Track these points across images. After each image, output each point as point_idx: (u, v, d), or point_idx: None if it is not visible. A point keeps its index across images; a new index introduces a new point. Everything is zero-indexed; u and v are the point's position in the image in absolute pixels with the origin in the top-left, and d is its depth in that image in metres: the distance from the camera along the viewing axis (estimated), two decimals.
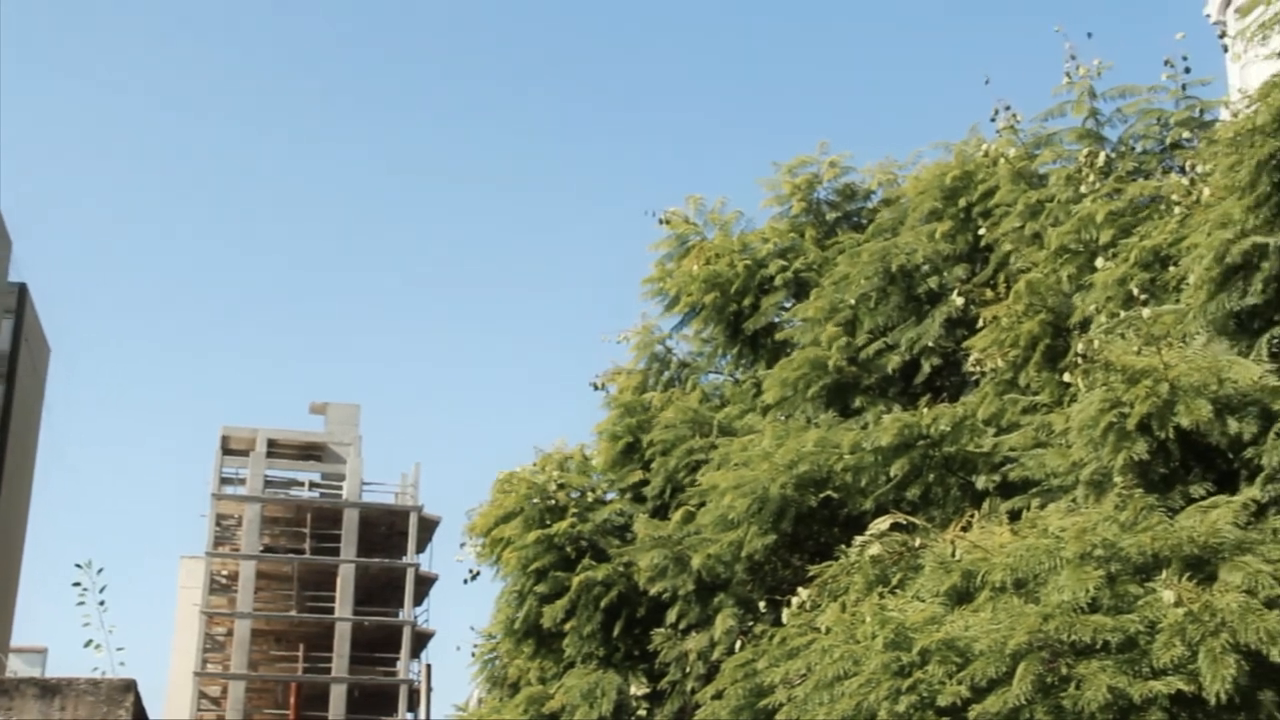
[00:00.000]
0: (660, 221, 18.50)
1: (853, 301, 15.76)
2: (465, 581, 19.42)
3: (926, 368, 15.33)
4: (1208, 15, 21.56)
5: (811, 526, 14.32)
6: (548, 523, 17.32)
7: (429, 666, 23.66)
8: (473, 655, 20.33)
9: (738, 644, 13.28)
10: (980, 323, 14.25)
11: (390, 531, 70.81)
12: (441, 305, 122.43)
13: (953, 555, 10.49)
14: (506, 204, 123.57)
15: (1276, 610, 8.42)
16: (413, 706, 63.58)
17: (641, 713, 15.90)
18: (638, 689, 15.95)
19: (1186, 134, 14.96)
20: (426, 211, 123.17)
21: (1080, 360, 11.47)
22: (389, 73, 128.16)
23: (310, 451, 72.78)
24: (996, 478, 12.85)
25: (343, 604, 67.76)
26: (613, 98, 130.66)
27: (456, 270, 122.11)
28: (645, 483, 17.42)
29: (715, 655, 13.98)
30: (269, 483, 70.67)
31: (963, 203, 15.68)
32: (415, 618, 70.28)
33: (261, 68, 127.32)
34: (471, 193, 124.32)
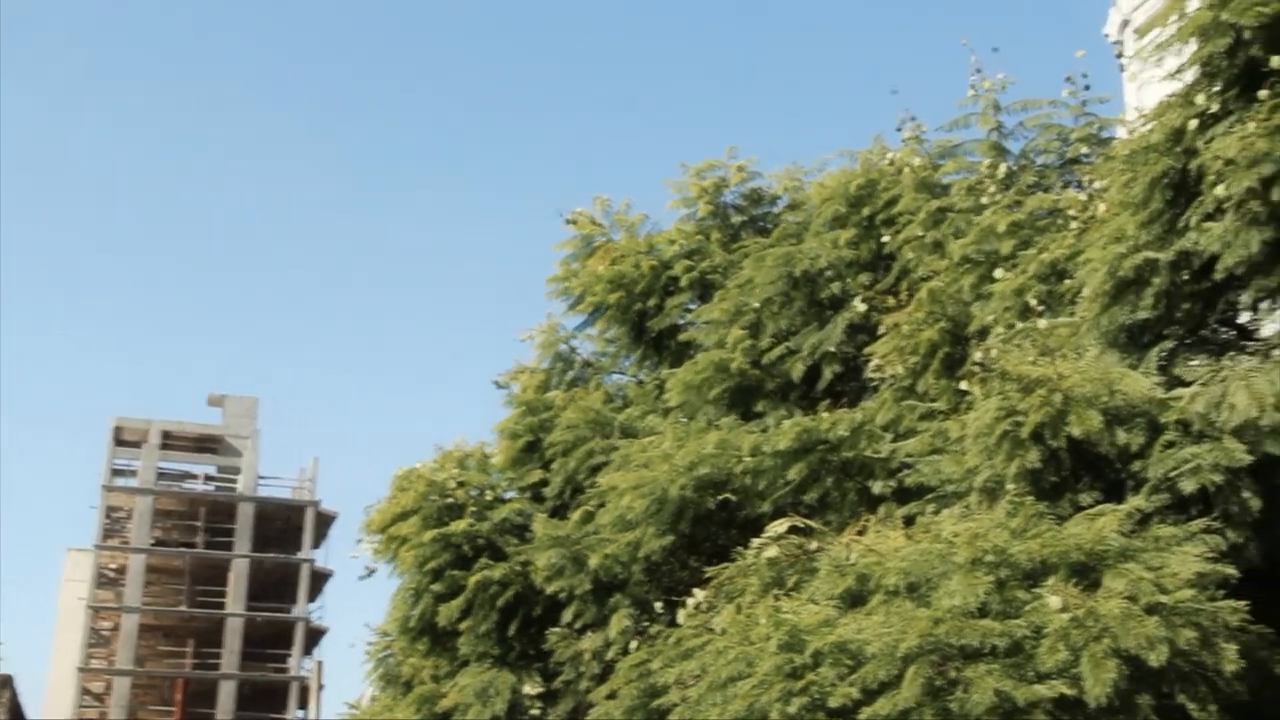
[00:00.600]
0: (567, 221, 18.49)
1: (757, 305, 15.85)
2: (361, 578, 19.29)
3: (828, 373, 15.46)
4: (1106, 35, 22.02)
5: (709, 528, 14.38)
6: (445, 521, 17.20)
7: (320, 664, 23.44)
8: (366, 653, 20.18)
9: (633, 644, 13.31)
10: (881, 329, 14.42)
11: (286, 527, 69.94)
12: (346, 300, 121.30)
13: (848, 559, 10.60)
14: (411, 200, 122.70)
15: (1156, 616, 8.62)
16: (304, 704, 62.77)
17: (535, 712, 15.85)
18: (532, 688, 15.90)
19: (1085, 150, 15.27)
20: (333, 207, 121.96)
21: (978, 369, 11.65)
22: (293, 69, 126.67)
23: (206, 444, 71.66)
24: (893, 483, 13.00)
25: (235, 599, 66.77)
26: (520, 96, 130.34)
27: (361, 265, 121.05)
28: (545, 482, 17.37)
29: (610, 655, 13.98)
30: (162, 475, 69.47)
31: (867, 210, 15.86)
32: (309, 614, 69.48)
33: (159, 61, 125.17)
34: (378, 189, 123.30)
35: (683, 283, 17.40)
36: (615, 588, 14.74)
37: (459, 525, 17.05)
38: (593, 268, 17.71)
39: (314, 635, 69.47)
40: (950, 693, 8.81)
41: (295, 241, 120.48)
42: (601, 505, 14.80)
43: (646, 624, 13.66)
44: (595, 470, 16.02)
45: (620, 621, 14.24)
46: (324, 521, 70.10)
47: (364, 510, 18.54)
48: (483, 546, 16.97)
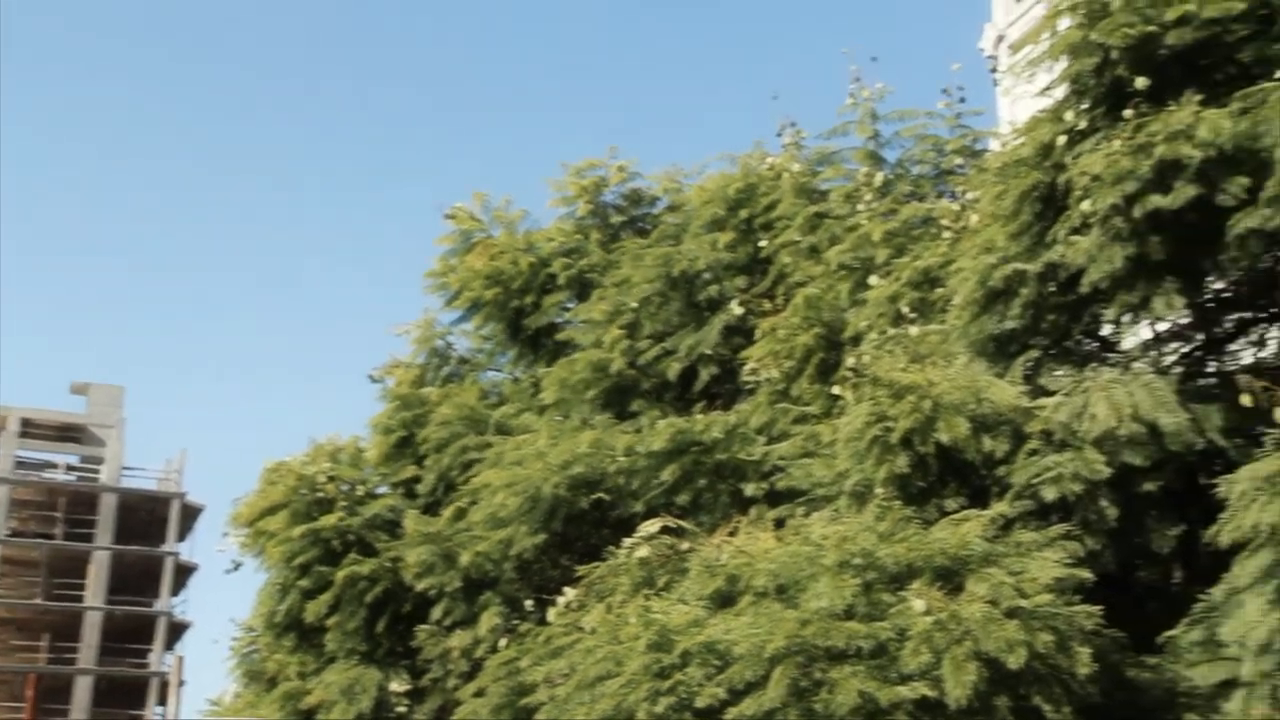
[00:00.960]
0: (446, 216, 18.37)
1: (635, 305, 15.89)
2: (227, 572, 18.96)
3: (704, 374, 15.56)
4: (982, 49, 22.51)
5: (582, 527, 14.39)
6: (315, 515, 16.98)
7: (181, 659, 22.98)
8: (230, 649, 19.84)
9: (502, 642, 13.25)
10: (758, 333, 14.56)
11: (150, 519, 68.31)
12: (219, 290, 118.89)
13: (718, 560, 10.67)
14: (288, 191, 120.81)
15: (1016, 620, 8.81)
16: (164, 700, 61.46)
17: (402, 709, 15.71)
18: (399, 686, 15.76)
19: (959, 161, 15.57)
20: (204, 194, 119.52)
21: (850, 374, 11.81)
22: (165, 57, 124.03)
23: (68, 433, 69.67)
24: (765, 485, 13.12)
25: (95, 593, 65.03)
26: (400, 88, 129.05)
27: (233, 255, 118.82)
28: (418, 479, 17.23)
29: (479, 653, 13.91)
30: (21, 464, 67.37)
31: (745, 214, 16.00)
32: (172, 608, 68.00)
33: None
34: (252, 178, 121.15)
35: (561, 281, 17.39)
36: (486, 585, 14.67)
37: (329, 520, 16.84)
38: (471, 264, 17.61)
39: (176, 630, 67.99)
40: (815, 693, 8.91)
41: (166, 229, 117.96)
42: (474, 502, 14.73)
43: (516, 622, 13.63)
44: (469, 467, 15.94)
45: (490, 619, 14.18)
46: (190, 514, 68.66)
47: (232, 503, 18.26)
48: (352, 542, 16.78)
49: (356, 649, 16.29)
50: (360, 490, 17.67)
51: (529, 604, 13.75)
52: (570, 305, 17.60)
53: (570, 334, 16.93)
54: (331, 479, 17.50)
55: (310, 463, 17.73)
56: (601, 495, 13.92)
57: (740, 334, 15.24)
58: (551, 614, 11.64)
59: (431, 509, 16.35)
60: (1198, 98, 10.22)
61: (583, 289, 17.31)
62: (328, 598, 16.23)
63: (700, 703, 9.19)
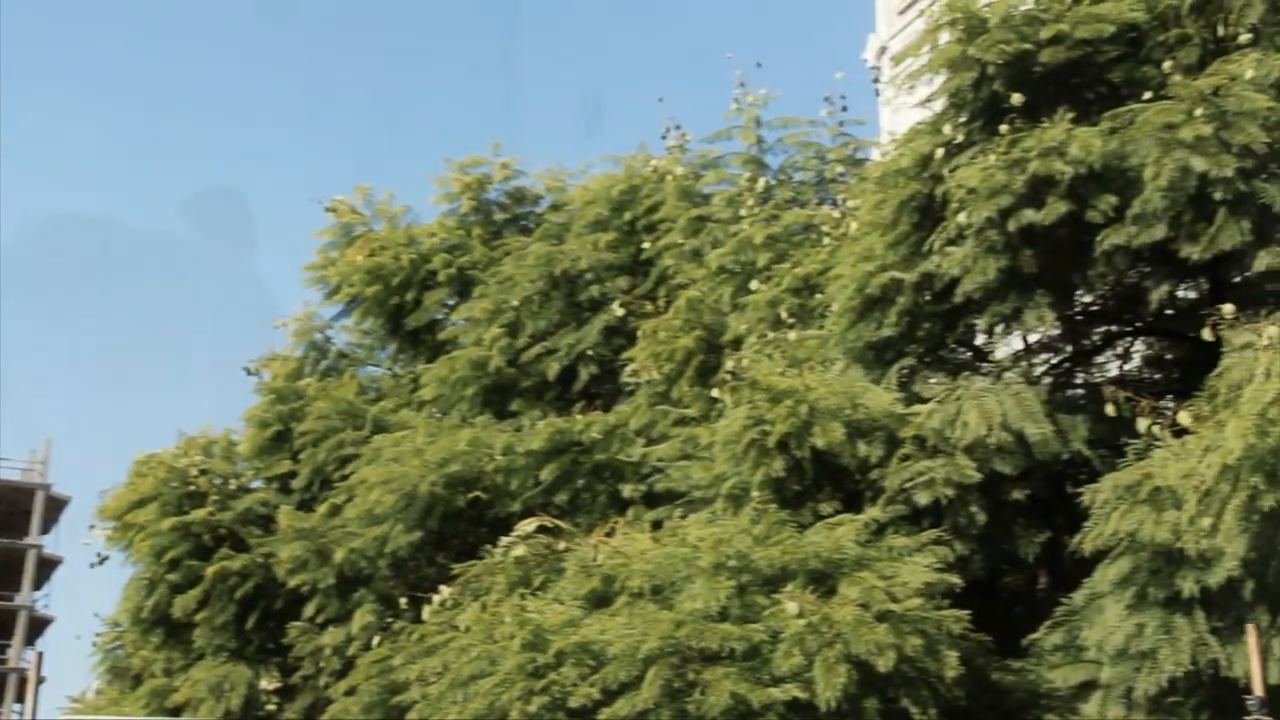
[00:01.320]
0: (327, 209, 18.16)
1: (516, 304, 15.84)
2: (92, 566, 18.45)
3: (584, 375, 15.58)
4: (865, 60, 22.82)
5: (459, 526, 14.30)
6: (186, 509, 16.62)
7: (40, 655, 22.37)
8: (94, 644, 19.34)
9: (375, 640, 13.12)
10: (639, 334, 14.61)
11: (13, 510, 66.42)
12: (88, 278, 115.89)
13: (595, 560, 10.68)
14: (160, 178, 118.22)
15: (886, 624, 8.96)
16: (22, 697, 59.83)
17: (271, 707, 15.46)
18: (269, 683, 15.51)
19: (841, 169, 15.80)
20: (71, 180, 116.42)
21: (730, 377, 11.91)
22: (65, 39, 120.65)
23: None
24: (643, 487, 13.18)
25: None
26: (280, 77, 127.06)
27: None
28: (293, 473, 16.97)
29: (352, 651, 13.75)
30: None
31: (628, 215, 16.05)
32: (34, 602, 66.19)
33: None
34: (116, 164, 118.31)
35: (442, 278, 17.28)
36: (360, 583, 14.51)
37: (199, 514, 16.51)
38: (351, 258, 17.41)
39: (38, 625, 66.11)
40: (689, 694, 8.97)
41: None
42: (350, 499, 14.57)
43: (390, 620, 13.49)
44: (345, 463, 15.75)
45: (363, 617, 14.02)
46: (55, 506, 66.84)
47: (99, 495, 17.83)
48: (224, 537, 16.47)
49: (226, 646, 16.00)
50: (233, 484, 17.35)
51: (404, 602, 13.62)
52: (451, 302, 17.50)
53: (451, 331, 16.83)
54: (203, 472, 17.17)
55: (182, 455, 17.37)
56: (479, 494, 13.87)
57: (621, 335, 15.29)
58: (426, 612, 11.54)
59: (306, 505, 16.14)
60: (1070, 115, 10.49)
61: (464, 286, 17.22)
62: (197, 593, 15.92)
63: (574, 702, 9.19)
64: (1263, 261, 9.93)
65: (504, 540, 11.51)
